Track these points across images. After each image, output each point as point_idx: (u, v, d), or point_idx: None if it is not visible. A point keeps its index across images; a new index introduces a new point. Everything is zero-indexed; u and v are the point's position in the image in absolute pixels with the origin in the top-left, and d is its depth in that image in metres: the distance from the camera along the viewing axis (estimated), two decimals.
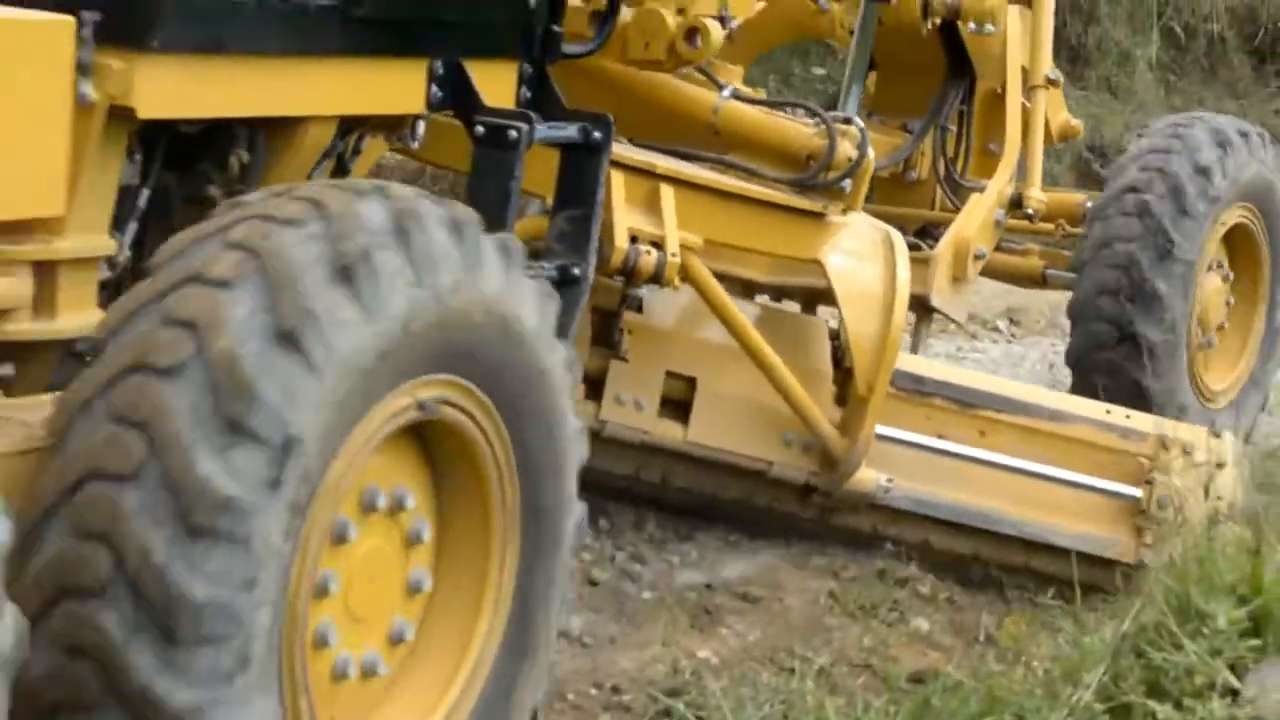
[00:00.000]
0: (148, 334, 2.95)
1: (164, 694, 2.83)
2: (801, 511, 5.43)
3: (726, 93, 5.28)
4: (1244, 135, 7.21)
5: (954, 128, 7.21)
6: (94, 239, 3.40)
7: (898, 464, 5.34)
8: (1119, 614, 4.42)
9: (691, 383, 5.30)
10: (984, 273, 7.03)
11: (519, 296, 3.46)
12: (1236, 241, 7.28)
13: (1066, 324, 7.22)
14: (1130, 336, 6.86)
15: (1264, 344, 7.52)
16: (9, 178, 3.05)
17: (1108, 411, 5.67)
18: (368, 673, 3.31)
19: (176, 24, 3.32)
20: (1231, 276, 7.34)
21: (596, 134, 4.18)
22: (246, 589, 2.86)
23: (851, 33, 6.77)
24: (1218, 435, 5.67)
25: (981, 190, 6.87)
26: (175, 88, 3.37)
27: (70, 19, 3.10)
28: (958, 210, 6.89)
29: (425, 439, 3.40)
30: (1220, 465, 5.52)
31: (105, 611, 2.84)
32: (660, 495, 5.52)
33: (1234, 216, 7.16)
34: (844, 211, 5.13)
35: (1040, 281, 7.57)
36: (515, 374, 3.48)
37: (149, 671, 2.83)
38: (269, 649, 2.94)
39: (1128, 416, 5.65)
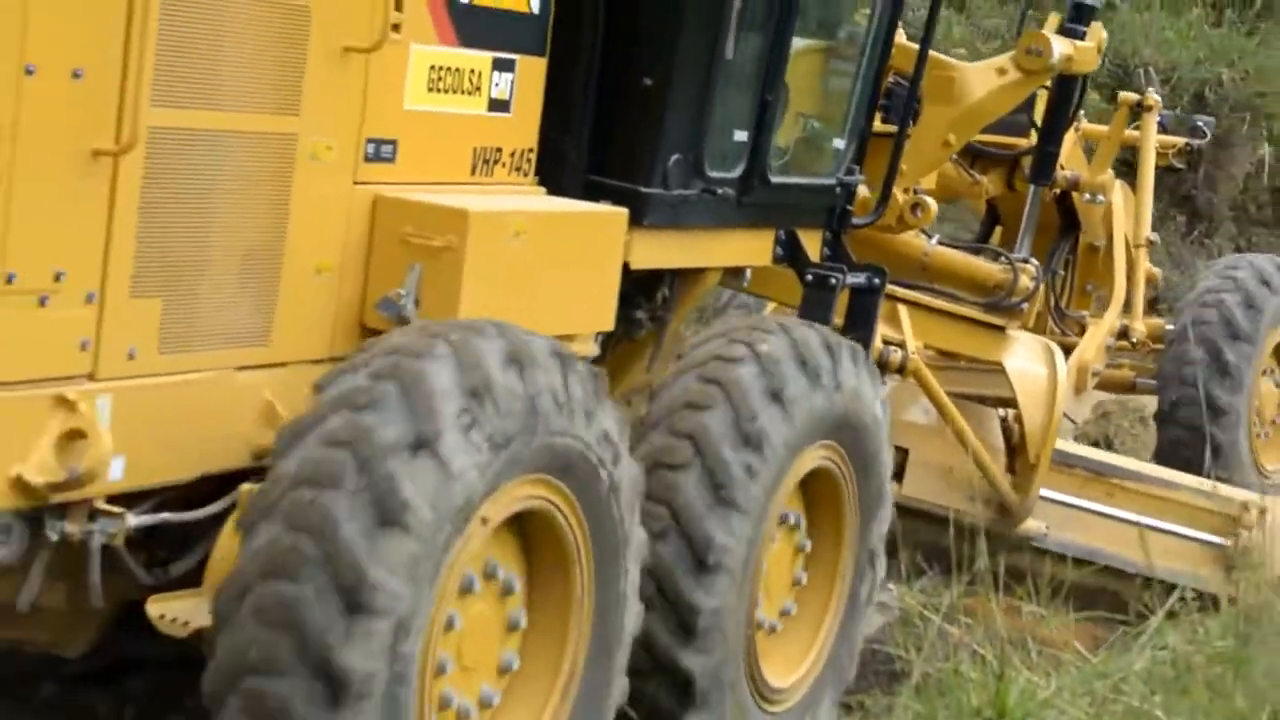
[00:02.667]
0: (681, 390, 5.12)
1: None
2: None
3: (934, 240, 7.49)
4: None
5: (1062, 271, 9.40)
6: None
7: (1050, 516, 7.45)
8: None
9: (905, 452, 7.41)
10: None
11: (869, 389, 5.63)
12: None
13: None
14: (1202, 437, 9.00)
15: None
16: (598, 307, 5.22)
17: (1203, 483, 7.81)
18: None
19: (655, 213, 5.49)
20: None
21: (876, 279, 6.37)
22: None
23: (988, 197, 8.98)
24: None
25: (1080, 319, 9.05)
26: (652, 249, 5.54)
27: (622, 211, 5.28)
28: (1061, 334, 9.05)
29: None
30: None
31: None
32: None
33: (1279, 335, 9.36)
34: (1019, 328, 7.34)
35: (1131, 388, 9.73)
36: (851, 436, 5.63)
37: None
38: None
39: (1216, 486, 7.78)
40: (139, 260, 4.12)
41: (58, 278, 3.96)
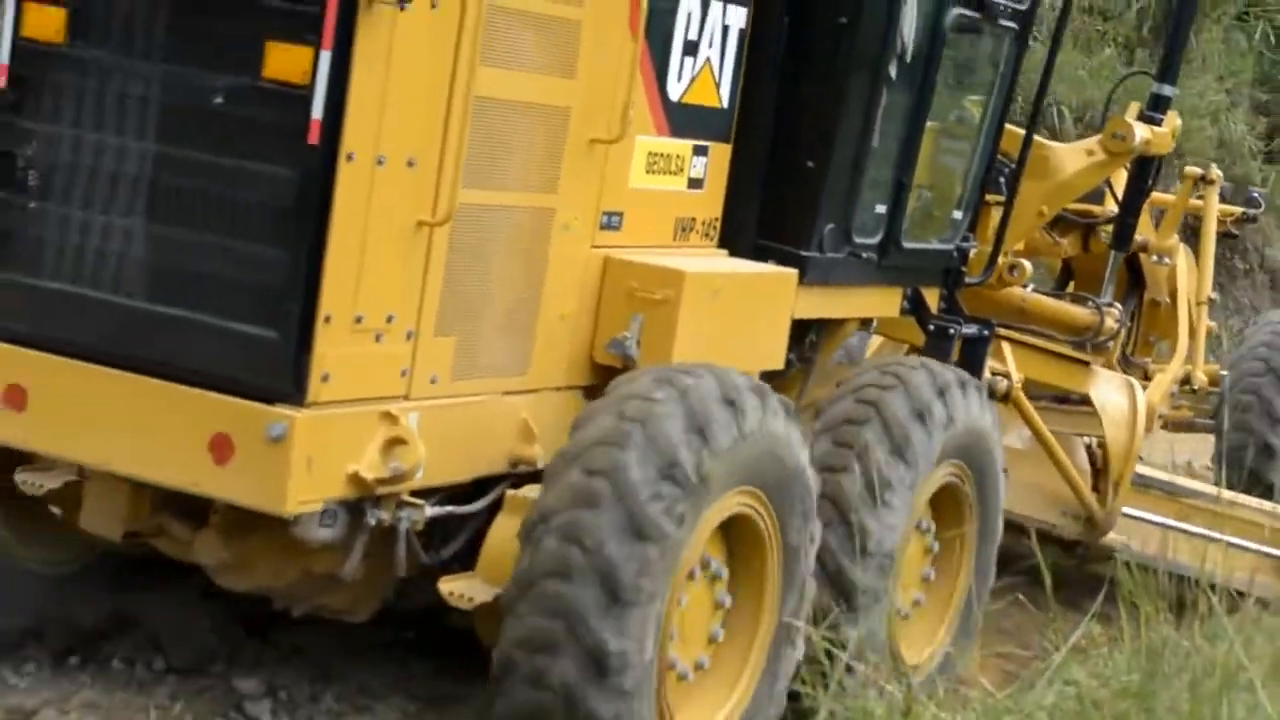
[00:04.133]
0: (842, 409, 6.29)
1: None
2: (1065, 560, 8.65)
3: (1030, 288, 8.63)
4: None
5: (1129, 323, 10.53)
6: None
7: (1130, 531, 8.57)
8: None
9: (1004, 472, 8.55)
10: None
11: (989, 416, 6.78)
12: None
13: None
14: (1257, 480, 10.10)
15: None
16: (772, 348, 6.36)
17: (1263, 503, 8.94)
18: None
19: (812, 272, 6.62)
20: None
21: (986, 331, 7.52)
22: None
23: (1065, 257, 10.12)
24: None
25: (1144, 366, 10.18)
26: (810, 302, 6.67)
27: (794, 271, 6.43)
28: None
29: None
30: None
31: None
32: None
33: None
34: (1104, 364, 8.49)
35: (1190, 428, 10.87)
36: (973, 457, 6.78)
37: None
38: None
39: (1276, 506, 8.91)
40: (442, 307, 5.29)
41: (389, 319, 5.13)
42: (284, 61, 4.87)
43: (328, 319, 4.93)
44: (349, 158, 4.88)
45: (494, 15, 5.16)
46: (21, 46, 5.20)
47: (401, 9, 4.85)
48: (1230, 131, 17.16)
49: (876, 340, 8.79)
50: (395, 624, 6.38)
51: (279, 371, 4.93)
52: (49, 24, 5.15)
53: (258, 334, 4.95)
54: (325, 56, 4.82)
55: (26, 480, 5.77)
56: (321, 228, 4.88)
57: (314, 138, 4.84)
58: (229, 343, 4.98)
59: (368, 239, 4.98)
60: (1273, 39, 19.12)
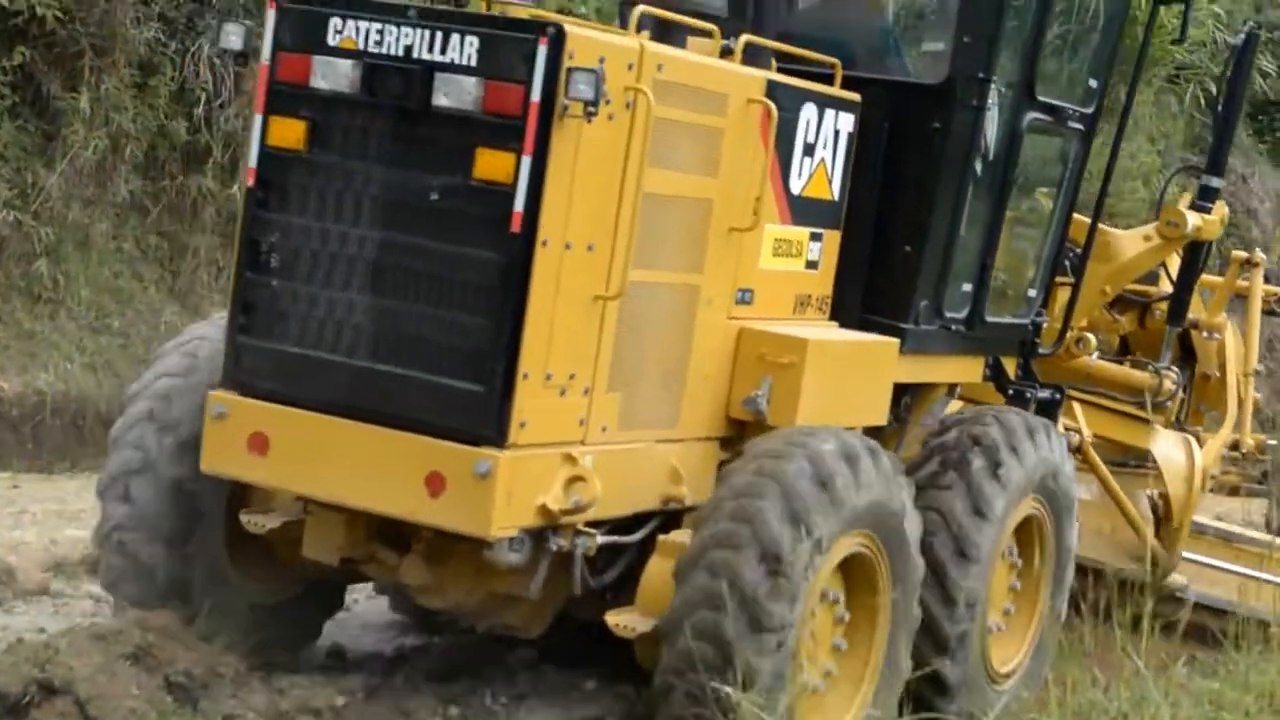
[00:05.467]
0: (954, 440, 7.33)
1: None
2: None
3: (1095, 355, 9.64)
4: None
5: (1182, 394, 11.52)
6: None
7: (1189, 573, 9.53)
8: None
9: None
10: None
11: (1061, 457, 7.81)
12: None
13: None
14: None
15: None
16: (877, 407, 7.38)
17: None
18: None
19: (910, 342, 7.63)
20: None
21: (1058, 395, 8.54)
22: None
23: (1122, 333, 11.12)
24: None
25: (1197, 434, 11.16)
26: (907, 368, 7.67)
27: (896, 341, 7.46)
28: None
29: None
30: None
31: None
32: None
33: None
34: (1164, 424, 9.49)
35: (1237, 492, 11.84)
36: (1051, 492, 7.80)
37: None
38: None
39: None
40: (612, 367, 6.34)
41: (571, 377, 6.18)
42: (491, 165, 5.95)
43: (525, 376, 5.99)
44: (544, 243, 5.95)
45: (659, 125, 6.23)
46: (267, 153, 6.31)
47: (588, 121, 5.92)
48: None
49: (957, 404, 9.81)
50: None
51: (485, 419, 5.99)
52: (291, 134, 6.25)
53: (467, 388, 6.01)
54: (526, 161, 5.91)
55: (250, 520, 6.83)
56: (521, 301, 5.95)
57: (516, 227, 5.92)
58: (442, 395, 6.04)
59: (557, 310, 6.04)
60: (1203, 102, 19.81)
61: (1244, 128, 20.08)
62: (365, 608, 8.15)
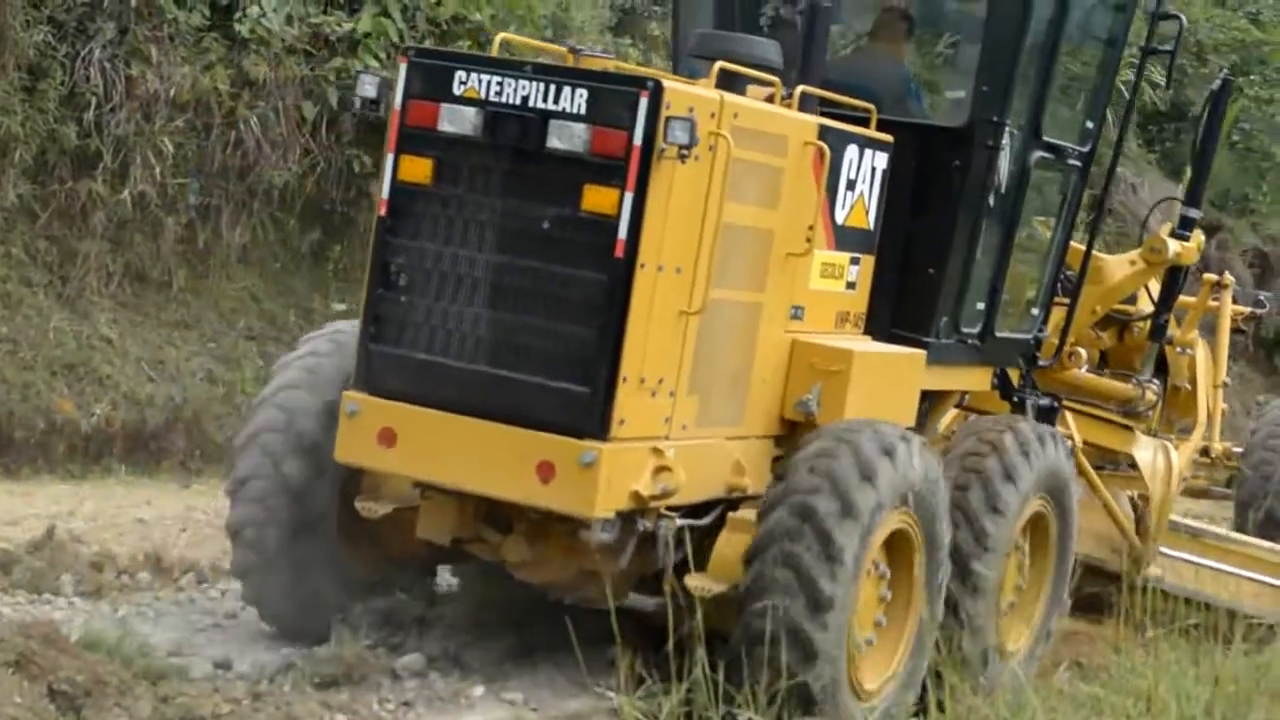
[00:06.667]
0: (971, 444, 8.37)
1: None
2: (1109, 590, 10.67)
3: (1085, 369, 10.70)
4: None
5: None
6: None
7: (1163, 565, 10.61)
8: None
9: None
10: None
11: (1064, 461, 8.86)
12: None
13: None
14: (1275, 524, 12.20)
15: None
16: (906, 409, 8.40)
17: (1273, 545, 11.00)
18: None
19: (932, 354, 8.66)
20: None
21: (1056, 403, 9.60)
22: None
23: (1102, 348, 12.20)
24: None
25: (1169, 440, 12.26)
26: (929, 377, 8.69)
27: (923, 352, 8.50)
28: None
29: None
30: None
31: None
32: None
33: None
34: (1145, 431, 10.58)
35: (1205, 494, 12.96)
36: (1055, 492, 8.85)
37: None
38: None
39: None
40: (692, 373, 7.35)
41: (660, 381, 7.19)
42: (597, 199, 6.97)
43: (624, 379, 7.00)
44: (642, 266, 6.97)
45: (734, 165, 7.25)
46: (397, 186, 7.31)
47: (681, 162, 6.95)
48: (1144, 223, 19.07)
49: (953, 412, 10.86)
50: None
51: (590, 416, 7.00)
52: (419, 170, 7.25)
53: (575, 390, 7.02)
54: (628, 196, 6.93)
55: (366, 507, 7.82)
56: (623, 315, 6.97)
57: (619, 252, 6.94)
58: (552, 395, 7.05)
59: (650, 323, 7.06)
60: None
61: (1134, 137, 21.14)
62: (253, 615, 8.29)
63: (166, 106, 12.11)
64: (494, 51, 7.69)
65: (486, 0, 13.13)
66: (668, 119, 6.88)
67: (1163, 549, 10.64)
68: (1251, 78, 22.02)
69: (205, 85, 12.15)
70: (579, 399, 7.02)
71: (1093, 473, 10.36)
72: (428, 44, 12.43)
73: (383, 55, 12.37)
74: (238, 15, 12.33)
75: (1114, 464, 10.93)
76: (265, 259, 12.84)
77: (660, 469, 7.21)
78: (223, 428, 11.78)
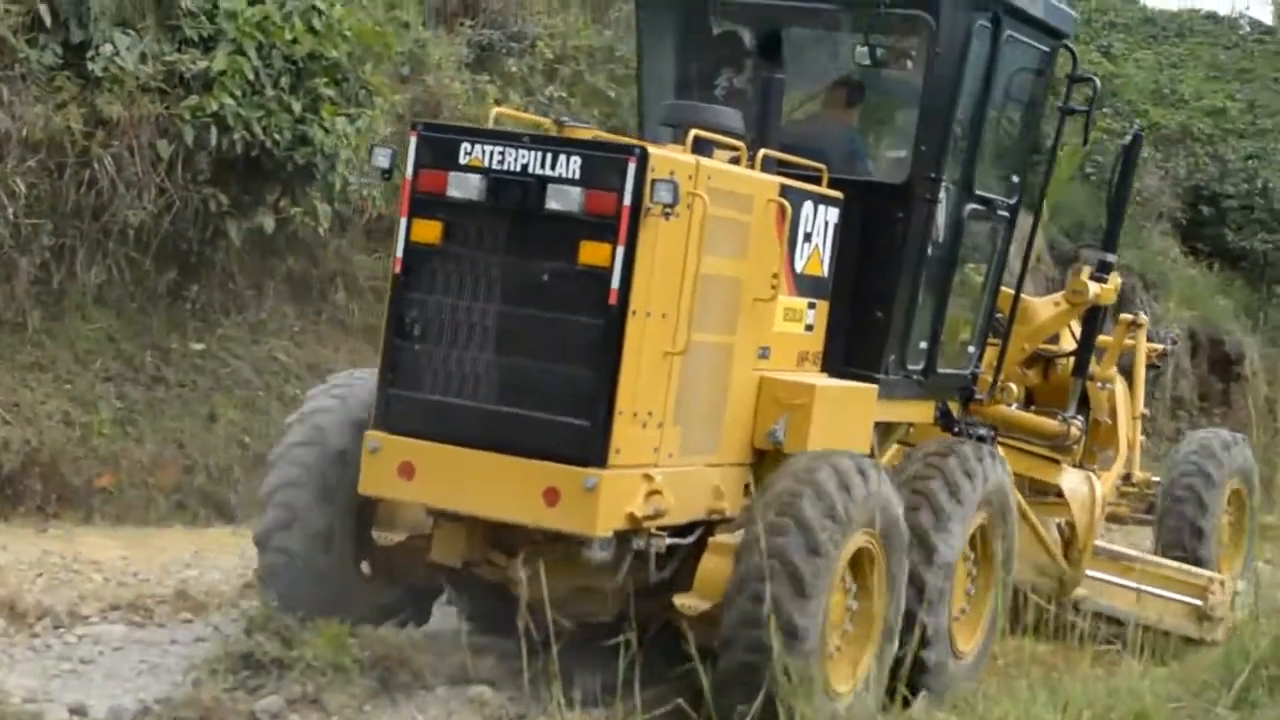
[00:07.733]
0: (918, 468, 9.31)
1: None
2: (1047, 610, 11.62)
3: (1015, 406, 11.65)
4: (1235, 440, 13.77)
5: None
6: None
7: (1088, 586, 11.55)
8: None
9: None
10: None
11: (1004, 476, 9.80)
12: (1237, 490, 13.80)
13: None
14: (1194, 558, 13.21)
15: (1251, 535, 13.99)
16: (861, 438, 9.32)
17: (1186, 566, 11.98)
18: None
19: (881, 389, 9.59)
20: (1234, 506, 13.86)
21: (992, 433, 10.55)
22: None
23: (1028, 384, 13.18)
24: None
25: (1094, 470, 13.24)
26: (880, 409, 9.65)
27: (875, 388, 9.43)
28: None
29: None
30: (1237, 591, 11.83)
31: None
32: None
33: (1235, 481, 13.66)
34: (1070, 463, 11.56)
35: (1123, 520, 13.96)
36: (997, 505, 9.79)
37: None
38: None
39: (1193, 569, 11.95)
40: (676, 407, 8.24)
41: (650, 414, 8.08)
42: (592, 253, 7.87)
43: (620, 413, 7.89)
44: (633, 313, 7.87)
45: (709, 221, 8.18)
46: (410, 247, 8.20)
47: (665, 219, 7.86)
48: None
49: (895, 447, 11.79)
50: None
51: (591, 446, 7.88)
52: (429, 232, 8.14)
53: (576, 423, 7.91)
54: (620, 250, 7.84)
55: (381, 535, 8.66)
56: (617, 356, 7.86)
57: (613, 300, 7.84)
58: (556, 429, 7.93)
59: (641, 363, 7.96)
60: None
61: None
62: (111, 660, 8.45)
63: (19, 146, 11.55)
64: (491, 124, 8.60)
65: (342, 38, 12.65)
66: (653, 181, 7.80)
67: (1089, 571, 11.58)
68: (1104, 111, 23.10)
69: (58, 124, 11.63)
70: (580, 431, 7.89)
71: (1023, 502, 11.29)
72: (284, 81, 12.13)
73: (238, 93, 11.93)
74: (90, 54, 11.75)
75: (1042, 493, 11.87)
76: (121, 299, 12.37)
77: (652, 492, 8.09)
78: (79, 471, 11.46)
